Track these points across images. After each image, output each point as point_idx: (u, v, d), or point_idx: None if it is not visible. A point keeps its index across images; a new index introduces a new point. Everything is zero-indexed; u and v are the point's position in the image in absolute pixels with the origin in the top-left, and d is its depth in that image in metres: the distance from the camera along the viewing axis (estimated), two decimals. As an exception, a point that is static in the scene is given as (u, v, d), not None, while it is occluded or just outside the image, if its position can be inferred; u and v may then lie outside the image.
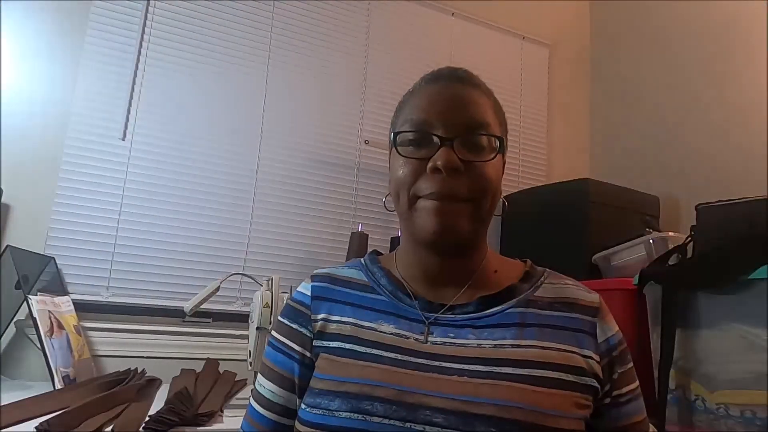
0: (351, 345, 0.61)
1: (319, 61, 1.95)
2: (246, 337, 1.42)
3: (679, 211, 1.89)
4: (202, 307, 1.42)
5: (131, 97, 1.67)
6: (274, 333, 0.69)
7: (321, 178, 1.88)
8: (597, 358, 0.60)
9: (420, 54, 2.08)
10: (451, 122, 0.60)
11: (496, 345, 0.58)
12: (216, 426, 1.07)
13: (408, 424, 0.53)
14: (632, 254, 1.50)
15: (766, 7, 1.70)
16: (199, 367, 1.50)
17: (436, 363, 0.58)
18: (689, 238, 1.18)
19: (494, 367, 0.56)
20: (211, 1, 1.81)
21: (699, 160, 1.87)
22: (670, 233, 1.44)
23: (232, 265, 1.70)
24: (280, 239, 1.80)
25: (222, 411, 1.17)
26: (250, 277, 1.52)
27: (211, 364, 1.52)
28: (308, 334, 0.65)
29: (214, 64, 1.79)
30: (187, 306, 1.38)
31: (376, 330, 0.62)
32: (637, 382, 0.65)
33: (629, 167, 2.15)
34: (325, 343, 0.63)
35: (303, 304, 0.68)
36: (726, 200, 1.13)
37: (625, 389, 0.62)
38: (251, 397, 0.69)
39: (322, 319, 0.65)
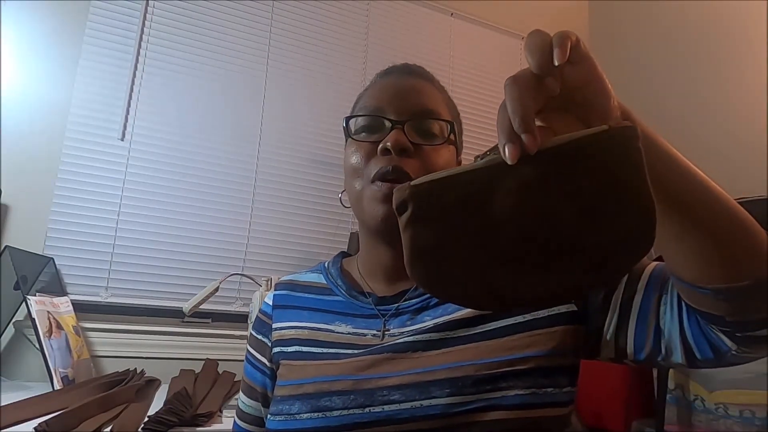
0: (308, 348, 0.61)
1: (318, 61, 1.94)
2: (245, 337, 1.42)
3: (679, 211, 1.89)
4: (201, 307, 1.42)
5: (130, 98, 1.67)
6: (247, 345, 0.71)
7: (320, 179, 1.88)
8: None
9: (419, 54, 2.08)
10: (401, 107, 0.61)
11: (452, 316, 0.57)
12: (215, 426, 1.08)
13: (367, 409, 0.53)
14: (631, 254, 1.50)
15: (766, 7, 1.70)
16: (198, 367, 1.50)
17: (391, 342, 0.57)
18: (688, 238, 1.17)
19: (448, 332, 0.56)
20: (210, 2, 1.81)
21: (698, 159, 1.82)
22: (669, 233, 1.44)
23: (231, 266, 1.70)
24: (280, 239, 1.80)
25: (221, 411, 1.17)
26: (249, 277, 1.52)
27: (210, 364, 1.52)
28: (269, 344, 0.66)
29: (213, 64, 1.79)
30: (186, 306, 1.39)
31: (333, 331, 0.62)
32: None
33: (628, 167, 2.14)
34: (284, 349, 0.63)
35: (266, 315, 0.69)
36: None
37: None
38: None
39: (281, 327, 0.65)
